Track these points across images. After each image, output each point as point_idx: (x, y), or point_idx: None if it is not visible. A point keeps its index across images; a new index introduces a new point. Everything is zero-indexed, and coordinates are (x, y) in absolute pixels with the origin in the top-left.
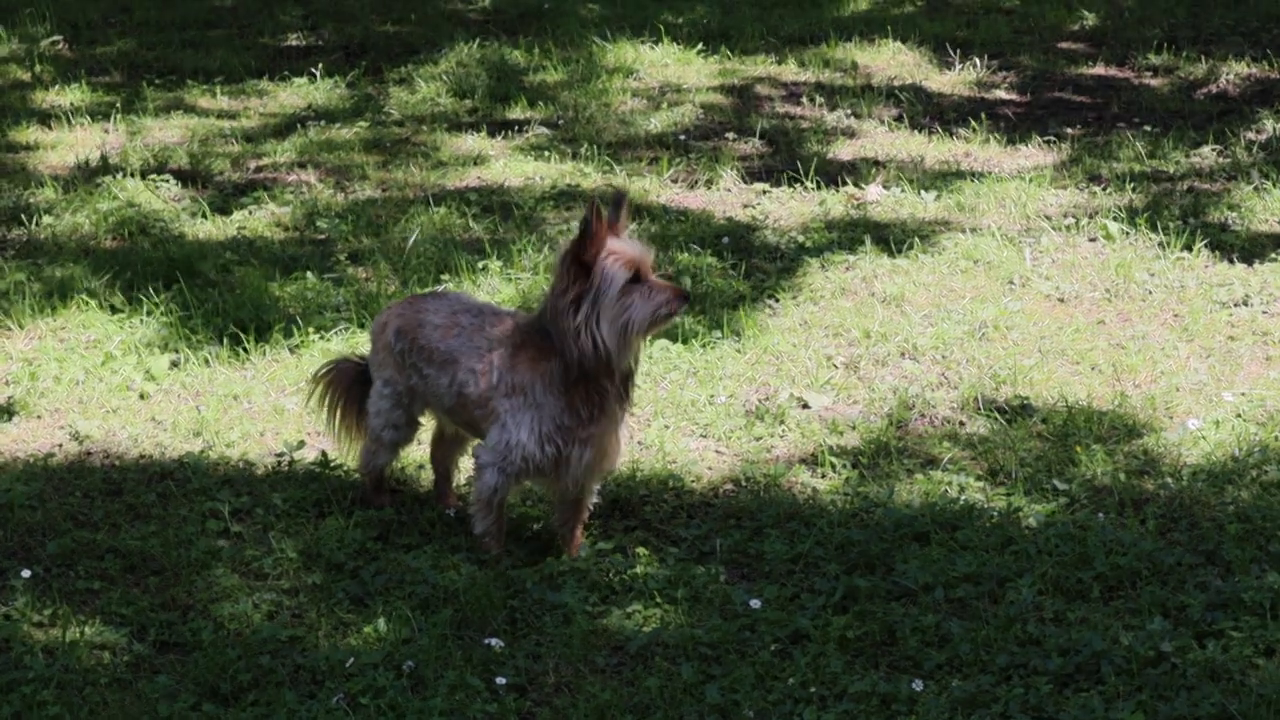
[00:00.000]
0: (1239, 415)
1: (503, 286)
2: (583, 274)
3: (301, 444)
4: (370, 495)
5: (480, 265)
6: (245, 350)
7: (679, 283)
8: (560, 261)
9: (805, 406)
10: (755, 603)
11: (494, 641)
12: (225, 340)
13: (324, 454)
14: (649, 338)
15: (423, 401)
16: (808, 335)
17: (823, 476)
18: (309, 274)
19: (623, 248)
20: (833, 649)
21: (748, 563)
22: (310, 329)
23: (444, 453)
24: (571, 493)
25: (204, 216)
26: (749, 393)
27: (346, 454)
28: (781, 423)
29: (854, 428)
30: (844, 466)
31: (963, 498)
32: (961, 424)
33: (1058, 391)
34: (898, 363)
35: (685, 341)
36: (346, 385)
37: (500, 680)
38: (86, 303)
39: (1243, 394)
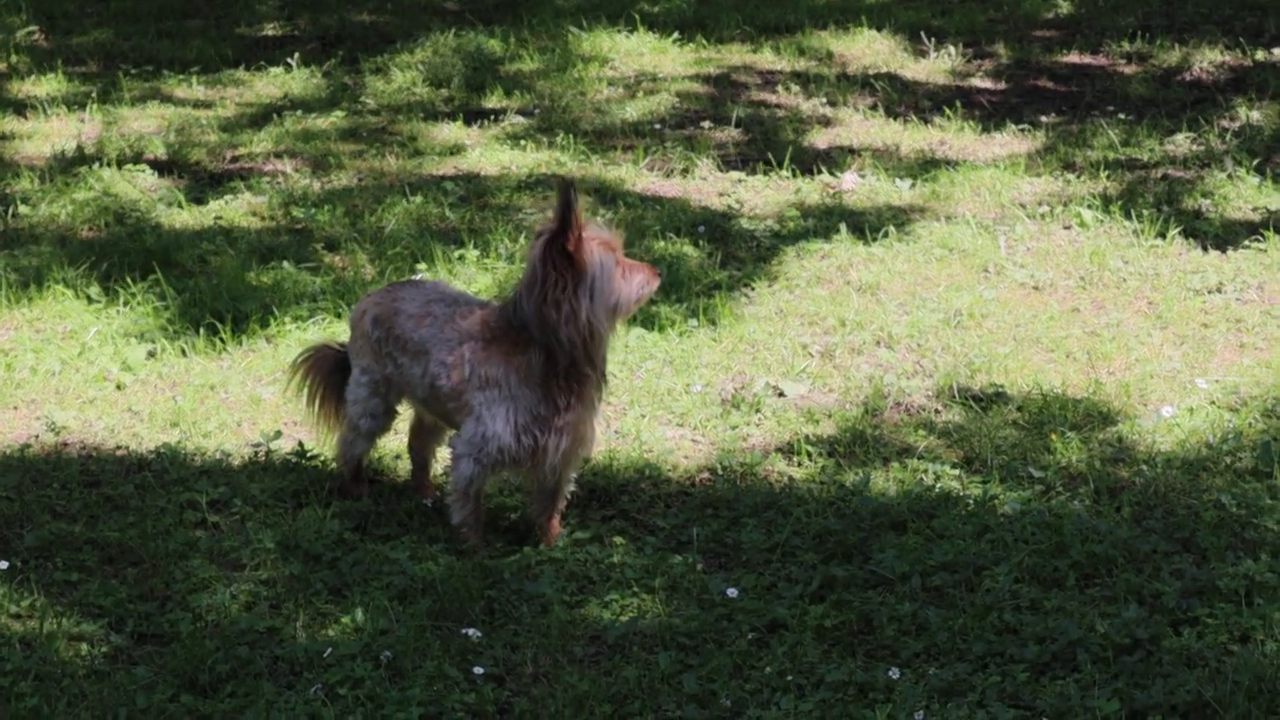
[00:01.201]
0: (1213, 402)
1: (479, 275)
2: (568, 263)
3: (278, 434)
4: (348, 485)
5: (457, 254)
6: (222, 340)
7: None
8: (542, 254)
9: (781, 395)
10: (732, 592)
11: (472, 632)
12: (202, 330)
13: (301, 444)
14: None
15: (399, 390)
16: (783, 324)
17: (799, 465)
18: (286, 263)
19: (599, 233)
20: (810, 638)
21: (725, 552)
22: (287, 318)
23: (421, 442)
24: (549, 481)
25: (180, 206)
26: (725, 381)
27: (325, 442)
28: (757, 411)
29: (830, 416)
30: (820, 455)
31: (939, 486)
32: (937, 412)
33: (1032, 379)
34: (873, 351)
35: (661, 330)
36: (326, 372)
37: (478, 670)
38: (63, 293)
39: (1216, 381)
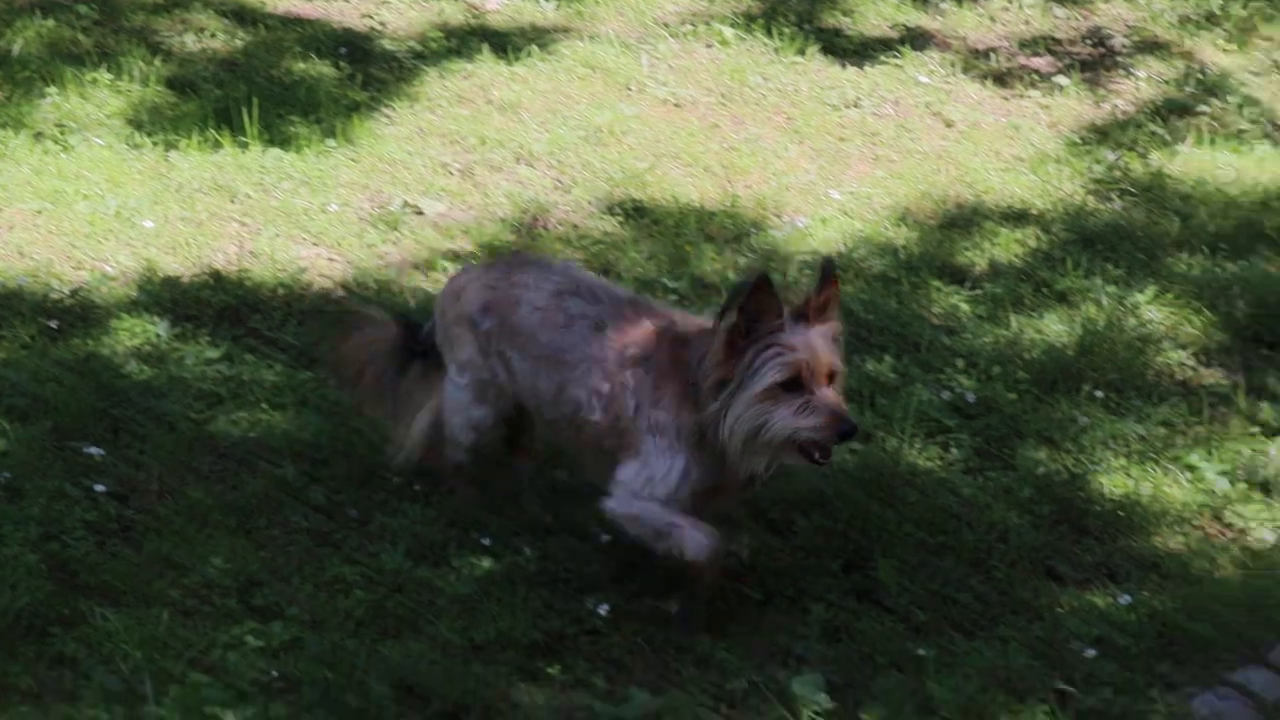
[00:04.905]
0: (845, 212)
1: (112, 98)
2: (736, 356)
3: None
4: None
5: (89, 77)
6: None
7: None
8: (720, 334)
9: (420, 213)
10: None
11: (94, 450)
12: None
13: None
14: (783, 459)
15: (512, 399)
16: (423, 143)
17: (435, 281)
18: None
19: (791, 341)
20: None
21: None
22: None
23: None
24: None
25: None
26: (363, 200)
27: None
28: (395, 229)
29: (467, 233)
30: (457, 270)
31: None
32: (576, 227)
33: (671, 193)
34: (513, 169)
35: (298, 150)
36: (386, 357)
37: (99, 488)
38: None
39: (850, 192)
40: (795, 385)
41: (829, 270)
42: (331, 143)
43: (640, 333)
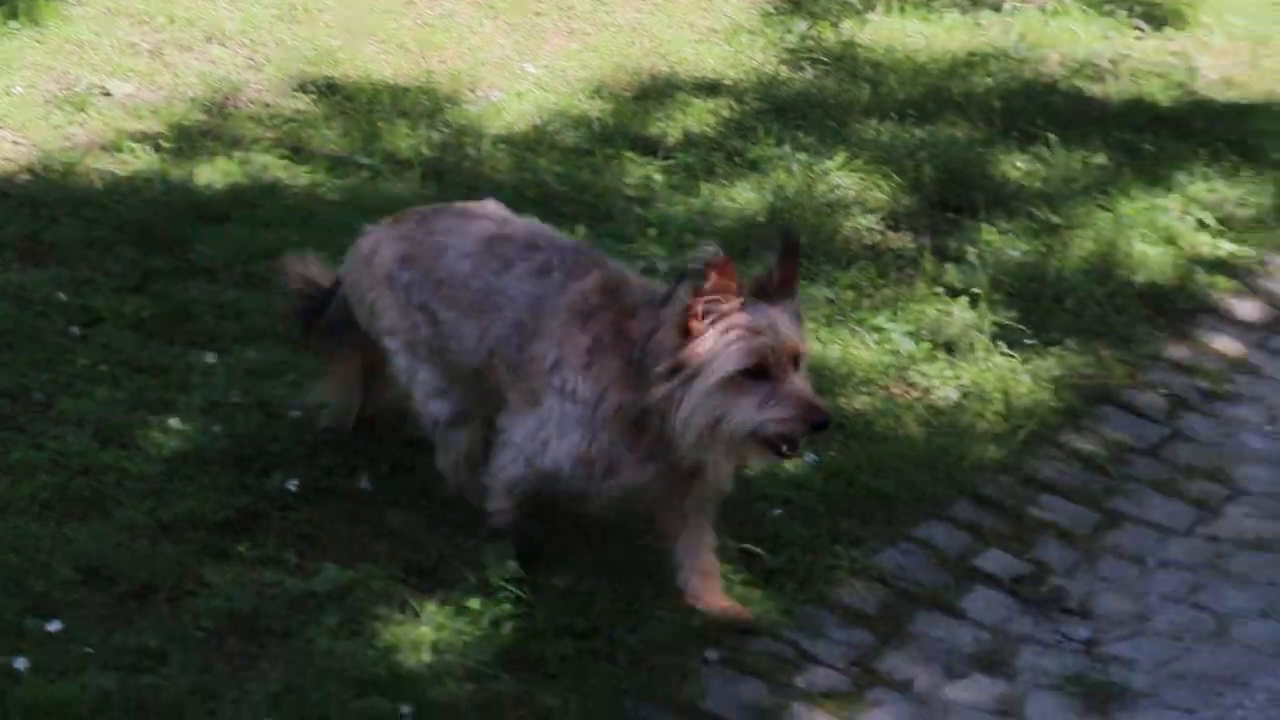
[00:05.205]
0: (540, 86)
1: None
2: (691, 340)
3: None
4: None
5: None
6: None
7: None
8: (672, 315)
9: (107, 94)
10: (55, 289)
11: None
12: None
13: None
14: (744, 452)
15: (442, 359)
16: (111, 23)
17: (123, 163)
18: None
19: (754, 324)
20: (126, 327)
21: (41, 250)
22: None
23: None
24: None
25: None
26: (48, 82)
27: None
28: (82, 111)
29: (156, 113)
30: (145, 151)
31: (266, 177)
32: (268, 105)
33: (364, 70)
34: (204, 48)
35: None
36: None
37: None
38: None
39: (545, 66)
40: (760, 373)
41: (791, 244)
42: (15, 24)
43: (584, 284)
